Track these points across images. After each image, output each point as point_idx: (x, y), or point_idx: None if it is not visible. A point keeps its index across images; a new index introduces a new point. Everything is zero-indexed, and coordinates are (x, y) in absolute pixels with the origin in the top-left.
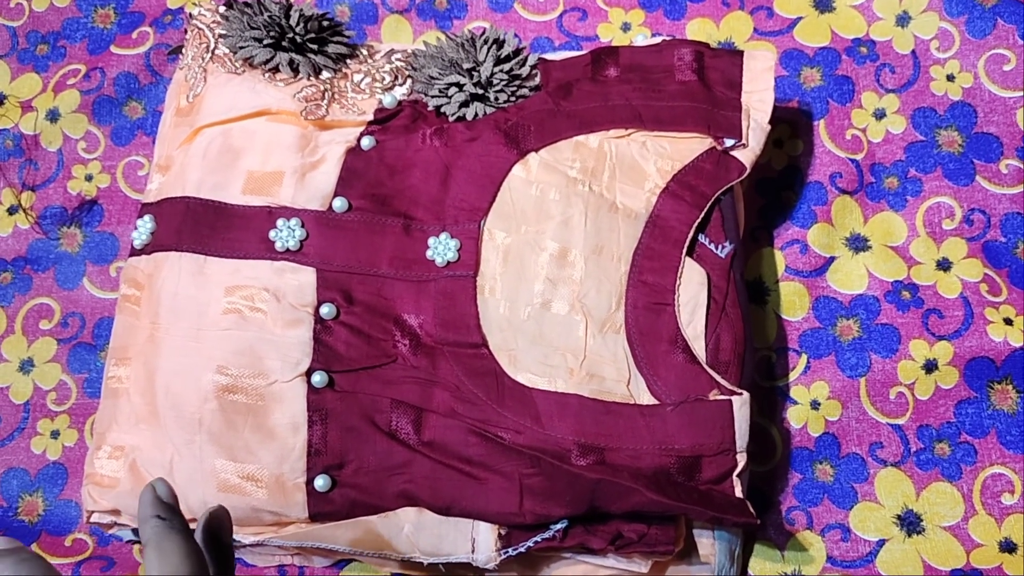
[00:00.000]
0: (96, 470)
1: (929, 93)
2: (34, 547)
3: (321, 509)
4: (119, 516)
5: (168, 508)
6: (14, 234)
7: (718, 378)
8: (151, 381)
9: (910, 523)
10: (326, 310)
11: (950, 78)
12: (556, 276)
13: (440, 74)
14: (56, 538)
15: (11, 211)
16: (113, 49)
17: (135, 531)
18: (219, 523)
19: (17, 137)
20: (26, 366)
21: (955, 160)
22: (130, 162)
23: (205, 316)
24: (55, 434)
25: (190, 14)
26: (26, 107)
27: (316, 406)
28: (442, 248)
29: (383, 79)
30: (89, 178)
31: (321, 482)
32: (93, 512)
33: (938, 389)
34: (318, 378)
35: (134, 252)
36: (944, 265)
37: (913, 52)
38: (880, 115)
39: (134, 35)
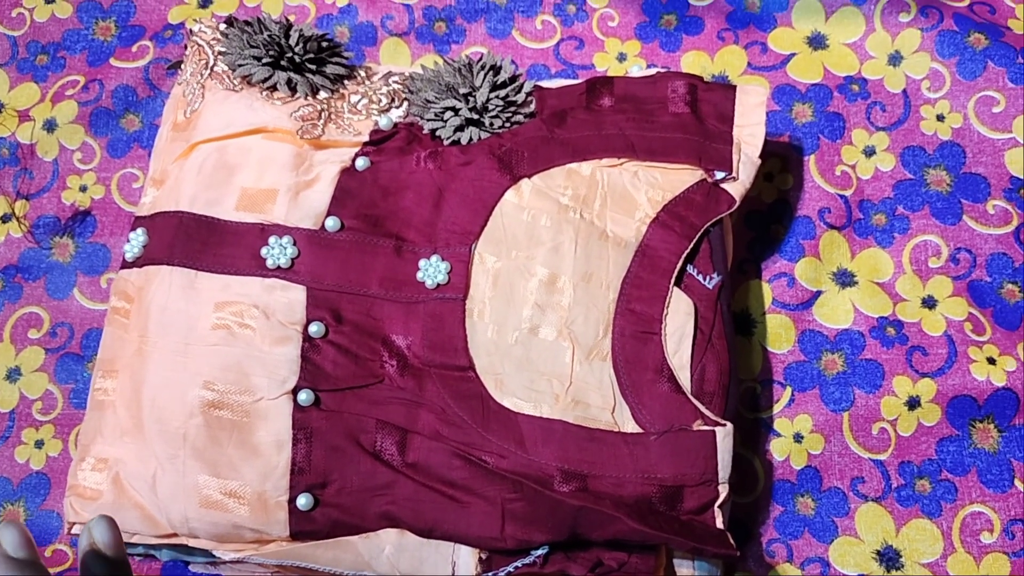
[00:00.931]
0: (79, 482)
1: (919, 132)
2: None
3: (302, 528)
4: None
5: (18, 565)
6: (6, 242)
7: (703, 408)
8: (137, 394)
9: (889, 559)
10: (315, 328)
11: (940, 118)
12: (545, 302)
13: (436, 98)
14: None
15: (4, 219)
16: (112, 62)
17: None
18: (105, 540)
19: (13, 146)
20: (13, 375)
21: (943, 199)
22: (125, 174)
23: (193, 331)
24: (39, 444)
25: (190, 30)
26: (24, 116)
27: (301, 424)
28: (432, 270)
29: (380, 101)
30: (83, 189)
31: (303, 501)
32: (75, 524)
33: (920, 426)
34: (304, 396)
35: (125, 265)
36: (929, 303)
37: (904, 91)
38: (870, 152)
39: (134, 48)
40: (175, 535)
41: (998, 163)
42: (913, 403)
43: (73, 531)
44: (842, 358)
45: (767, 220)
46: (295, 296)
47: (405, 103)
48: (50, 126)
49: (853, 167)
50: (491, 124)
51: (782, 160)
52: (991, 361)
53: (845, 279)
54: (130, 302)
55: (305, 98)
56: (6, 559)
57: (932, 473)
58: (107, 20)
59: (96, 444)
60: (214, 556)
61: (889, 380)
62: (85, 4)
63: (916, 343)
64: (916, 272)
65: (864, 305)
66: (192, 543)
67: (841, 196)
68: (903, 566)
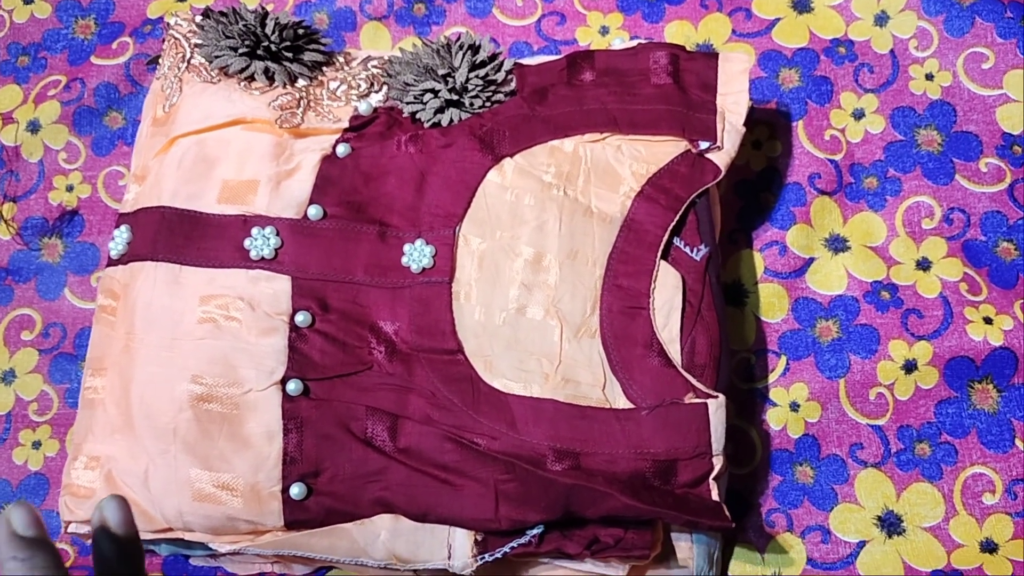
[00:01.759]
0: (73, 480)
1: (908, 92)
2: None
3: (297, 517)
4: None
5: (27, 544)
6: None
7: (694, 381)
8: (126, 391)
9: (891, 524)
10: (301, 318)
11: (929, 77)
12: (531, 281)
13: (415, 80)
14: None
15: None
16: (93, 60)
17: None
18: (116, 519)
19: None
20: (8, 377)
21: (934, 159)
22: (111, 172)
23: (180, 325)
24: (36, 445)
25: (167, 24)
26: (7, 119)
27: (291, 414)
28: (417, 255)
29: (359, 86)
30: (70, 188)
31: (296, 490)
32: (71, 522)
33: (918, 389)
34: (293, 386)
35: (111, 262)
36: (924, 265)
37: (892, 52)
38: (859, 115)
39: (114, 45)
40: (171, 529)
41: (989, 120)
42: (910, 367)
43: (70, 529)
44: (837, 324)
45: (757, 188)
46: (280, 286)
47: (384, 87)
48: (34, 127)
49: (842, 131)
50: (471, 104)
51: (770, 127)
52: (988, 321)
53: (837, 245)
54: (116, 299)
55: (283, 87)
56: (16, 538)
57: (931, 436)
58: (86, 18)
59: (88, 443)
60: (211, 549)
61: (885, 344)
62: (64, 3)
63: (911, 306)
64: (909, 234)
65: (857, 270)
66: (188, 537)
67: (831, 161)
68: (905, 531)
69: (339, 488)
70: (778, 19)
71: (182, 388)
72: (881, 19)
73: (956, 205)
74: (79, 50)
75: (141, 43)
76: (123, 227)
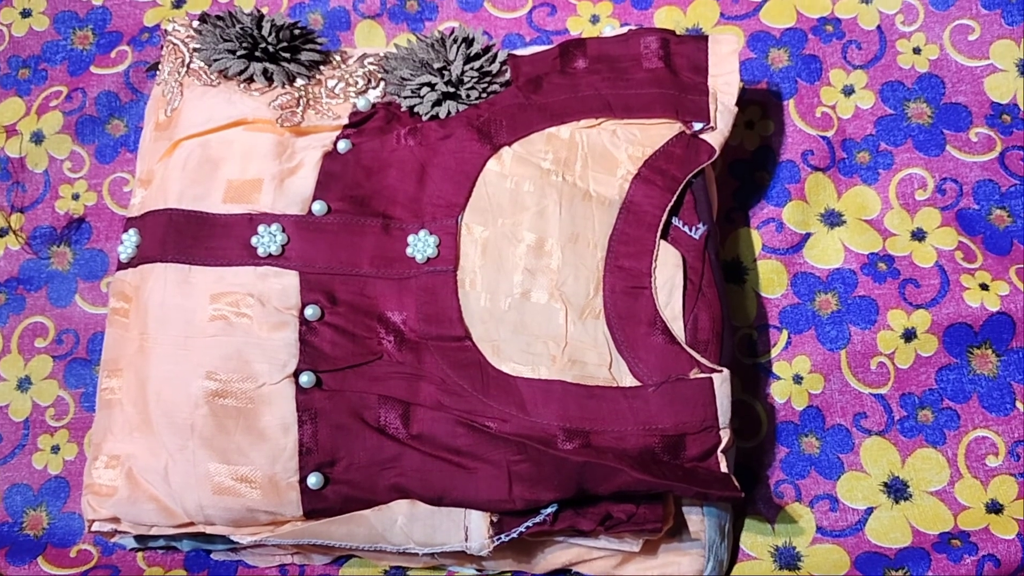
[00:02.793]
0: (94, 480)
1: (896, 67)
2: (40, 560)
3: (315, 506)
4: (119, 524)
5: None
6: (5, 256)
7: (698, 357)
8: (143, 390)
9: (897, 490)
10: (310, 311)
11: (916, 51)
12: (534, 266)
13: (412, 75)
14: (62, 550)
15: (1, 234)
16: (93, 69)
17: (137, 538)
18: None
19: (3, 160)
20: (24, 384)
21: (925, 131)
22: (115, 179)
23: (192, 324)
24: (55, 449)
25: (165, 30)
26: (10, 131)
27: (305, 406)
28: (421, 245)
29: (356, 83)
30: (76, 197)
31: (314, 480)
32: (94, 521)
33: (918, 357)
34: (306, 378)
35: (121, 266)
36: (919, 235)
37: (878, 27)
38: (849, 91)
39: (113, 54)
40: (192, 524)
41: (978, 91)
42: (909, 335)
43: (94, 528)
44: (835, 297)
45: (751, 167)
46: (288, 281)
47: (382, 83)
48: (38, 138)
49: (833, 107)
50: (468, 96)
51: (762, 107)
52: (984, 287)
53: (833, 219)
54: (128, 302)
55: (282, 87)
56: None
57: (933, 402)
58: (84, 29)
59: (107, 442)
60: (233, 542)
61: (884, 315)
62: (61, 15)
63: (908, 276)
64: (903, 206)
65: (854, 243)
66: (209, 530)
67: (823, 137)
68: (911, 496)
69: (355, 476)
70: (765, 0)
71: (197, 385)
72: None
73: (948, 175)
74: (78, 60)
75: (139, 51)
76: (131, 231)
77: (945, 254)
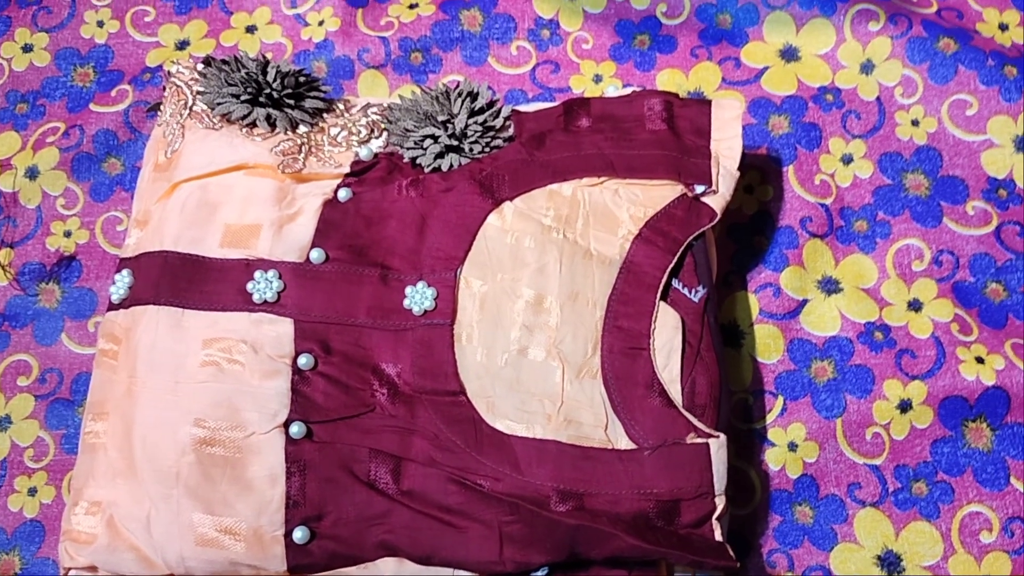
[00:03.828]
0: (73, 526)
1: (895, 138)
2: None
3: (300, 561)
4: (96, 572)
5: None
6: None
7: (695, 421)
8: (128, 435)
9: (890, 563)
10: (304, 360)
11: (915, 123)
12: (532, 323)
13: (415, 127)
14: None
15: None
16: (92, 107)
17: None
18: None
19: None
20: (4, 423)
21: (922, 203)
22: (109, 218)
23: (182, 369)
24: (32, 491)
25: (168, 72)
26: (5, 165)
27: (294, 457)
28: (419, 297)
29: (359, 132)
30: (68, 234)
31: (300, 534)
32: (70, 569)
33: (913, 429)
34: (296, 429)
35: (112, 307)
36: (915, 306)
37: (878, 99)
38: (848, 160)
39: (113, 93)
40: (173, 575)
41: (975, 165)
42: (905, 406)
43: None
44: (832, 365)
45: (750, 232)
46: (283, 329)
47: (385, 133)
48: (32, 173)
49: (832, 175)
50: (471, 150)
51: (761, 172)
52: (980, 360)
53: (830, 286)
54: (118, 343)
55: (285, 133)
56: None
57: (928, 475)
58: (85, 66)
59: (89, 487)
60: None
61: (880, 384)
62: (63, 51)
63: (904, 346)
64: (900, 276)
65: (851, 311)
66: None
67: (822, 204)
68: (904, 570)
69: (342, 531)
70: (766, 67)
71: (185, 431)
72: (867, 67)
73: (945, 247)
74: (78, 97)
75: (140, 91)
76: (124, 271)
77: (941, 326)
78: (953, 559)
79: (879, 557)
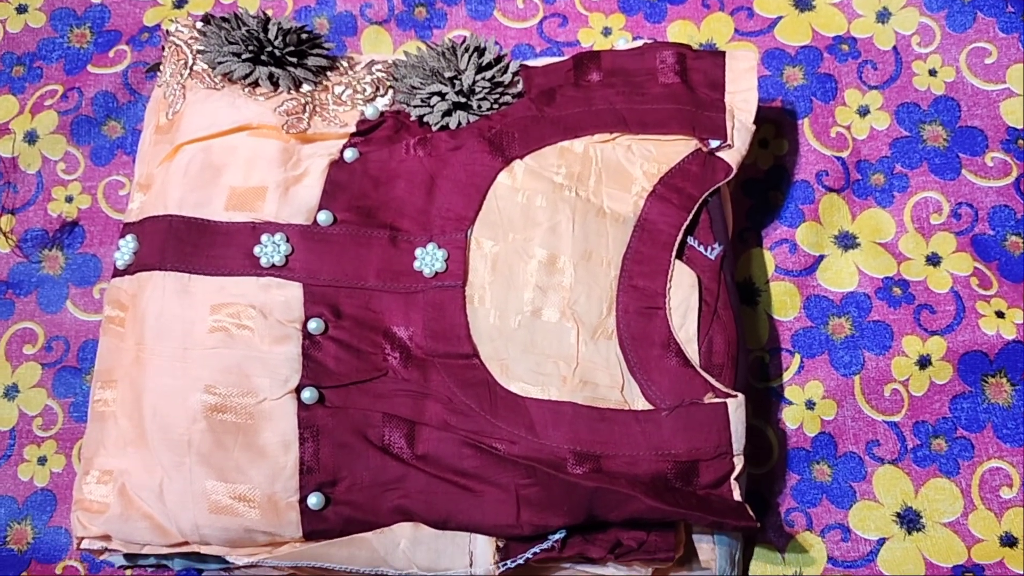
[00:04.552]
0: (85, 496)
1: (912, 88)
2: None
3: (315, 527)
4: (109, 542)
5: None
6: None
7: (712, 381)
8: (138, 403)
9: (910, 521)
10: (314, 325)
11: (932, 73)
12: (546, 283)
13: (422, 84)
14: (47, 566)
15: None
16: (90, 69)
17: (127, 556)
18: None
19: None
20: (11, 392)
21: (940, 155)
22: (111, 182)
23: (191, 335)
24: (42, 460)
25: (167, 31)
26: (3, 130)
27: (307, 423)
28: (429, 259)
29: (364, 90)
30: (69, 199)
31: (314, 500)
32: (83, 538)
33: (932, 385)
34: (308, 394)
35: (117, 273)
36: (934, 260)
37: (895, 48)
38: (864, 112)
39: (111, 54)
40: (187, 543)
41: (994, 115)
42: (924, 362)
43: (83, 546)
44: (849, 321)
45: (765, 187)
46: (292, 293)
47: (390, 91)
48: (31, 138)
49: (848, 128)
50: (479, 107)
51: (776, 125)
52: (1000, 315)
53: (847, 241)
54: (124, 310)
55: (288, 92)
56: None
57: (947, 431)
58: (82, 27)
59: (99, 456)
60: (227, 562)
61: (898, 340)
62: (58, 12)
63: (923, 301)
64: (918, 230)
65: (868, 266)
66: (204, 550)
67: (838, 158)
68: (924, 527)
69: (357, 497)
70: (780, 17)
71: (195, 399)
72: (883, 16)
73: (964, 200)
74: (75, 59)
75: (139, 51)
76: (129, 237)
77: (960, 280)
78: (973, 515)
79: (898, 514)
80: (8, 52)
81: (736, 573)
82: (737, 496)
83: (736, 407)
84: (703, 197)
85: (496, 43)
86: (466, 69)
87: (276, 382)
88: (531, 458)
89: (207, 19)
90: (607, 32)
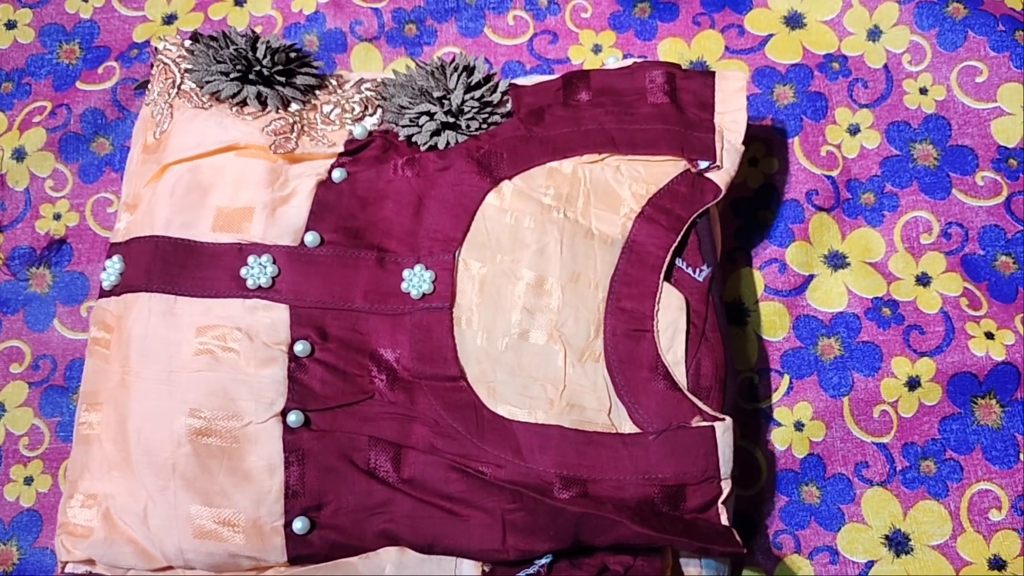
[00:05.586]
0: (69, 519)
1: (903, 107)
2: None
3: (300, 552)
4: (94, 566)
5: None
6: None
7: (700, 404)
8: (123, 426)
9: (898, 543)
10: (300, 347)
11: (923, 91)
12: (533, 305)
13: (410, 103)
14: None
15: None
16: (79, 85)
17: None
18: None
19: None
20: None
21: (931, 174)
22: (99, 199)
23: (176, 358)
24: (28, 480)
25: (155, 48)
26: None
27: (292, 446)
28: (417, 280)
29: (353, 109)
30: (57, 217)
31: (299, 524)
32: (67, 563)
33: (922, 406)
34: (294, 417)
35: (103, 293)
36: (923, 280)
37: (885, 66)
38: (854, 130)
39: (100, 70)
40: (171, 568)
41: (984, 134)
42: (913, 383)
43: (67, 570)
44: (839, 342)
45: (754, 206)
46: (278, 315)
47: (379, 110)
48: (19, 155)
49: (838, 146)
50: (468, 126)
51: (766, 144)
52: (989, 336)
53: (837, 261)
54: (110, 332)
55: (276, 111)
56: None
57: (936, 453)
58: (71, 43)
59: (84, 480)
60: None
61: (888, 361)
62: (48, 27)
63: (912, 322)
64: (908, 250)
65: (858, 286)
66: (188, 575)
67: (828, 177)
68: (913, 550)
69: (343, 521)
70: (771, 35)
71: (180, 422)
72: (874, 34)
73: (954, 219)
74: (64, 75)
75: (128, 67)
76: (115, 257)
77: (950, 300)
78: (962, 538)
79: (887, 537)
80: None
81: None
82: (724, 520)
83: (724, 431)
84: (692, 218)
85: (486, 61)
86: (455, 88)
87: (261, 405)
88: (517, 482)
89: (195, 37)
90: (597, 49)
